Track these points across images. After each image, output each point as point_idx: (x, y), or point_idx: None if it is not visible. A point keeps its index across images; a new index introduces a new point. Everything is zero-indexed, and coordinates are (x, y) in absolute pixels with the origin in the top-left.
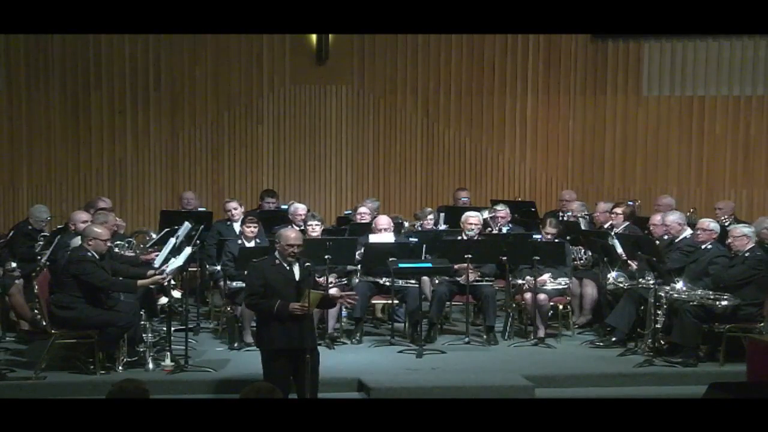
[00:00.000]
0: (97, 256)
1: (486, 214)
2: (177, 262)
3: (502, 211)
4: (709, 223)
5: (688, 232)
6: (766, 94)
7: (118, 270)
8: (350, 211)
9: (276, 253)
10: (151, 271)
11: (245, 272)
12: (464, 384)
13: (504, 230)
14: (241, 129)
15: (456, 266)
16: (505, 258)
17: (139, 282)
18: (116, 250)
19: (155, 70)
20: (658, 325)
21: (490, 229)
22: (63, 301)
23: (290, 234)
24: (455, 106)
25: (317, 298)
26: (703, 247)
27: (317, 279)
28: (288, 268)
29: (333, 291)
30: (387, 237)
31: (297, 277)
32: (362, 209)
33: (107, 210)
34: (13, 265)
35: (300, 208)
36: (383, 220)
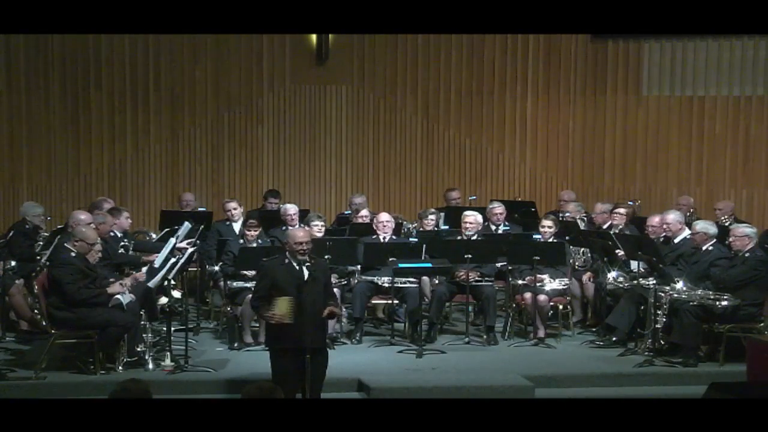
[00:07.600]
0: (81, 257)
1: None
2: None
3: (498, 208)
4: (707, 228)
5: (686, 232)
6: (766, 94)
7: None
8: (349, 212)
9: (287, 253)
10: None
11: (245, 272)
12: (464, 384)
13: (501, 229)
14: (241, 129)
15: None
16: (505, 258)
17: (109, 290)
18: (121, 250)
19: (155, 70)
20: (658, 325)
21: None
22: (59, 303)
23: (297, 233)
24: (455, 106)
25: (284, 305)
26: (704, 248)
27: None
28: (297, 267)
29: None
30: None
31: (305, 276)
32: (363, 212)
33: (104, 212)
34: (12, 264)
35: (290, 209)
36: (384, 216)
